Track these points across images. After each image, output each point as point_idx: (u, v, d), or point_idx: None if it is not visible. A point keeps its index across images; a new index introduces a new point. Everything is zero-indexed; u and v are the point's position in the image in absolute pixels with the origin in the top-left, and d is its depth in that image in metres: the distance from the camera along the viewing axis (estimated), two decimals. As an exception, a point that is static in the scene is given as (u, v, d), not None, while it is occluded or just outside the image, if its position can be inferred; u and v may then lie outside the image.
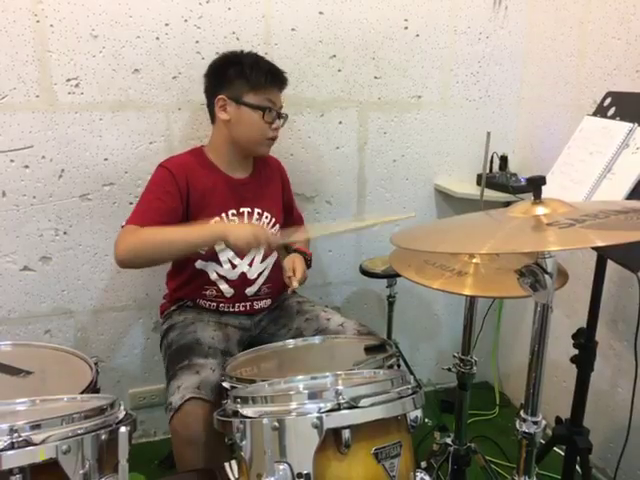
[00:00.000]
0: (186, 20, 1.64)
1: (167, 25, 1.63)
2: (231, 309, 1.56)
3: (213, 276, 1.53)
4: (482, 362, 1.44)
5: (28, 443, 0.79)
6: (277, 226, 1.62)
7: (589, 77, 1.73)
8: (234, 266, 1.53)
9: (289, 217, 1.72)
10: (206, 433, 1.21)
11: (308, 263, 1.64)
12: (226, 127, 1.49)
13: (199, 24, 1.66)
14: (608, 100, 1.37)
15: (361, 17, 1.81)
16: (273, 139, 1.53)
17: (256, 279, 1.57)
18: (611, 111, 1.34)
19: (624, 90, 1.38)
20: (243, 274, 1.54)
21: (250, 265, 1.55)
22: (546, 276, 0.86)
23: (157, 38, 1.63)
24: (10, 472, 0.77)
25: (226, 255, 1.52)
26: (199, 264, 1.52)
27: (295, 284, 1.51)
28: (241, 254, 1.52)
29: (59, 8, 1.53)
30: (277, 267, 1.62)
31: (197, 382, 1.26)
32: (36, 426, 0.81)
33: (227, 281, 1.54)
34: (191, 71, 1.66)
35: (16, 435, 0.78)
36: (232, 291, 1.54)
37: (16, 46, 1.52)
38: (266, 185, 1.62)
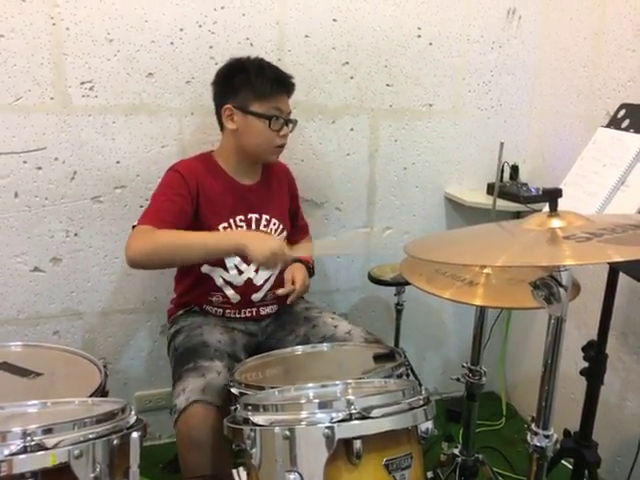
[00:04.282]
0: (201, 25, 1.65)
1: (182, 30, 1.63)
2: (237, 315, 1.56)
3: (219, 282, 1.53)
4: (489, 372, 1.43)
5: (40, 447, 0.79)
6: (285, 233, 1.62)
7: (602, 88, 1.73)
8: (240, 272, 1.53)
9: (294, 224, 1.72)
10: (211, 437, 1.20)
11: (310, 271, 1.64)
12: (234, 136, 1.49)
13: (213, 29, 1.66)
14: (622, 112, 1.37)
15: (374, 25, 1.81)
16: (281, 146, 1.52)
17: (262, 285, 1.57)
18: (625, 123, 1.34)
19: (638, 102, 1.37)
20: (249, 280, 1.54)
21: (256, 271, 1.55)
22: (561, 289, 0.85)
23: (171, 43, 1.64)
24: (22, 476, 0.77)
25: (233, 261, 1.52)
26: (205, 269, 1.52)
27: (291, 296, 1.53)
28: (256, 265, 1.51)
29: (75, 12, 1.54)
30: (283, 273, 1.62)
31: (202, 385, 1.26)
32: (48, 430, 0.81)
33: (233, 287, 1.53)
34: (205, 76, 1.67)
35: (29, 439, 0.78)
36: (238, 297, 1.54)
37: (32, 48, 1.53)
38: (274, 191, 1.62)
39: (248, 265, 1.53)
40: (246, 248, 1.30)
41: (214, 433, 1.20)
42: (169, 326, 1.61)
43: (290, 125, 1.51)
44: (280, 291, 1.54)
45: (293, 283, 1.55)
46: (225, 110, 1.46)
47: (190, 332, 1.48)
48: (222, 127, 1.53)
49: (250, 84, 1.43)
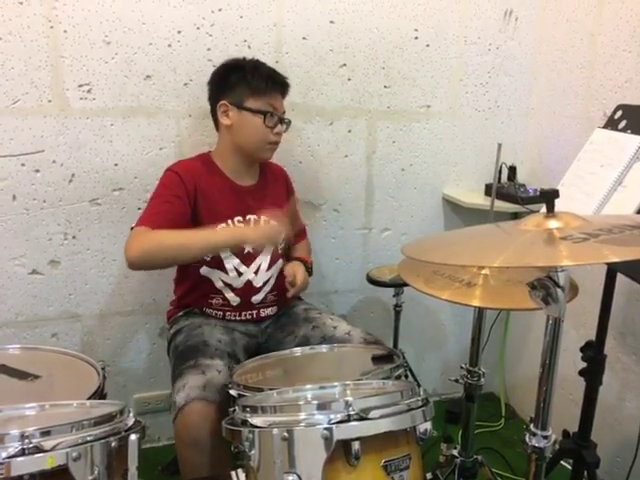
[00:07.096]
0: (198, 28, 1.65)
1: (179, 32, 1.64)
2: (237, 317, 1.56)
3: (218, 284, 1.53)
4: (488, 373, 1.43)
5: (38, 449, 0.79)
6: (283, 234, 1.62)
7: (599, 89, 1.73)
8: (240, 274, 1.53)
9: (293, 226, 1.72)
10: (210, 434, 1.20)
11: (309, 271, 1.65)
12: (229, 133, 1.51)
13: (211, 32, 1.67)
14: (619, 113, 1.37)
15: (372, 27, 1.81)
16: (275, 143, 1.53)
17: (262, 287, 1.56)
18: (622, 124, 1.34)
19: (635, 103, 1.37)
20: (249, 282, 1.54)
21: (256, 273, 1.55)
22: (558, 290, 0.85)
23: (169, 45, 1.64)
24: (20, 478, 0.77)
25: (232, 263, 1.52)
26: (204, 271, 1.52)
27: (292, 291, 1.54)
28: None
29: (73, 14, 1.54)
30: (283, 274, 1.62)
31: (203, 382, 1.26)
32: (46, 432, 0.81)
33: (232, 289, 1.53)
34: (202, 78, 1.66)
35: (27, 441, 0.78)
36: (238, 299, 1.54)
37: (30, 51, 1.53)
38: (271, 192, 1.62)
39: (247, 267, 1.53)
40: (246, 238, 1.39)
41: (213, 431, 1.19)
42: (169, 327, 1.61)
43: (284, 124, 1.53)
44: (288, 280, 1.56)
45: (294, 279, 1.55)
46: (220, 106, 1.48)
47: (190, 331, 1.48)
48: (217, 126, 1.54)
49: (246, 80, 1.46)
